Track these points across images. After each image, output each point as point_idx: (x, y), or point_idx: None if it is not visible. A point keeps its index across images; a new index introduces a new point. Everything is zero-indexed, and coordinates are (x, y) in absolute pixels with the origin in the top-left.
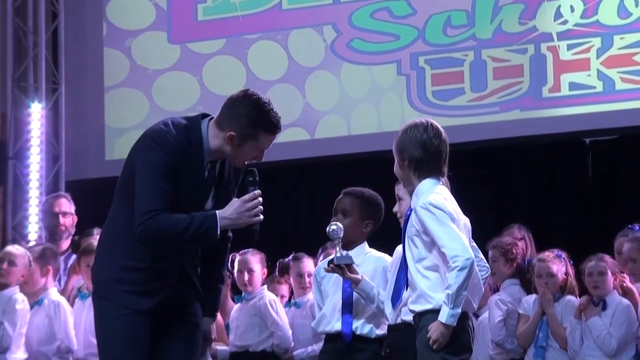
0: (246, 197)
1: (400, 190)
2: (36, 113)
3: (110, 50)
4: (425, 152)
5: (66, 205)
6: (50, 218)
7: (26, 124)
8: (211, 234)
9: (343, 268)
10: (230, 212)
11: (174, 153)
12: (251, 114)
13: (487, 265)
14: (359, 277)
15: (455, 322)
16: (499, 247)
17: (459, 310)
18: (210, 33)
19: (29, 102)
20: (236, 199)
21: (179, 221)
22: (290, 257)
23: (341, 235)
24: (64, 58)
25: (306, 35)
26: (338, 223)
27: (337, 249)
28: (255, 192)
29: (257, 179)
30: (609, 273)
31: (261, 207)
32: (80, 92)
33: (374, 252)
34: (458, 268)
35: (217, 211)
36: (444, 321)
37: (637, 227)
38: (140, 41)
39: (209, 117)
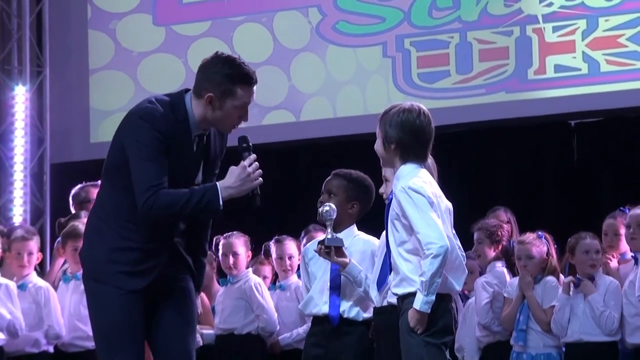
0: (245, 162)
1: (387, 171)
2: (20, 96)
3: (95, 32)
4: (415, 139)
5: None
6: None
7: (10, 107)
8: (213, 205)
9: (331, 251)
10: (232, 180)
11: (164, 129)
12: (224, 71)
13: (463, 253)
14: (347, 260)
15: (429, 309)
16: (484, 229)
17: (433, 297)
18: (195, 15)
19: (13, 85)
20: (234, 167)
21: (181, 195)
22: (273, 239)
23: (334, 216)
24: (49, 41)
25: (291, 18)
26: (331, 204)
27: (329, 230)
28: (251, 156)
29: (250, 144)
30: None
31: (260, 170)
32: (65, 75)
33: (363, 235)
34: (432, 255)
35: (217, 182)
36: (418, 308)
37: (628, 210)
38: (125, 24)
39: (190, 90)
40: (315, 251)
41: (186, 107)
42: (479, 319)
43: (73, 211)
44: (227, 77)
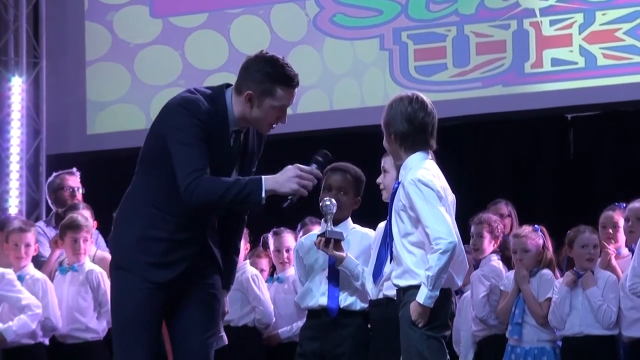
0: (304, 166)
1: (386, 162)
2: (17, 87)
3: (91, 24)
4: (410, 125)
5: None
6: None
7: (6, 98)
8: (254, 197)
9: (330, 244)
10: (281, 175)
11: (205, 119)
12: (265, 70)
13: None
14: (344, 254)
15: (432, 304)
16: (486, 224)
17: (437, 293)
18: (192, 7)
19: (10, 76)
20: (290, 165)
21: (224, 182)
22: (271, 232)
23: (334, 210)
24: (45, 32)
25: (289, 10)
26: (332, 199)
27: (329, 223)
28: (314, 170)
29: (325, 161)
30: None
31: (311, 183)
32: (62, 67)
33: (359, 228)
34: (440, 251)
35: (262, 176)
36: (421, 302)
37: (624, 205)
38: (121, 15)
39: (231, 86)
40: (315, 243)
41: (226, 101)
42: (475, 312)
43: (49, 200)
44: (268, 76)
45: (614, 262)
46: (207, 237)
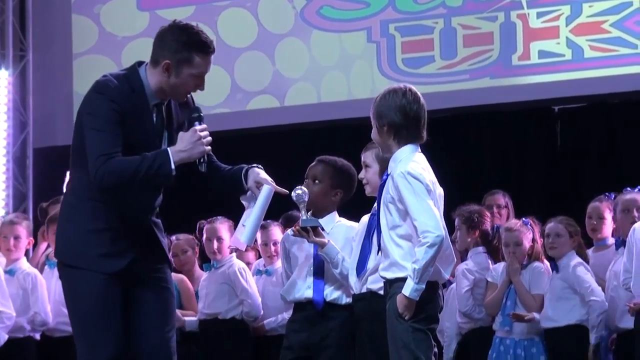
0: (194, 127)
1: (367, 157)
2: (3, 80)
3: (78, 17)
4: (405, 117)
5: None
6: None
7: None
8: (165, 169)
9: (308, 231)
10: (184, 144)
11: (119, 100)
12: (181, 39)
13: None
14: (325, 240)
15: (418, 297)
16: (461, 215)
17: (424, 286)
18: (179, 0)
19: None
20: (184, 132)
21: (131, 161)
22: None
23: (306, 199)
24: (32, 25)
25: (276, 2)
26: (303, 187)
27: (303, 212)
28: (202, 125)
29: (202, 115)
30: (566, 235)
31: (210, 138)
32: (48, 59)
33: (344, 221)
34: (428, 244)
35: (168, 147)
36: (407, 294)
37: (613, 196)
38: (109, 8)
39: (145, 63)
40: (293, 231)
41: (141, 77)
42: (459, 306)
43: None
44: (184, 44)
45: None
46: (151, 224)
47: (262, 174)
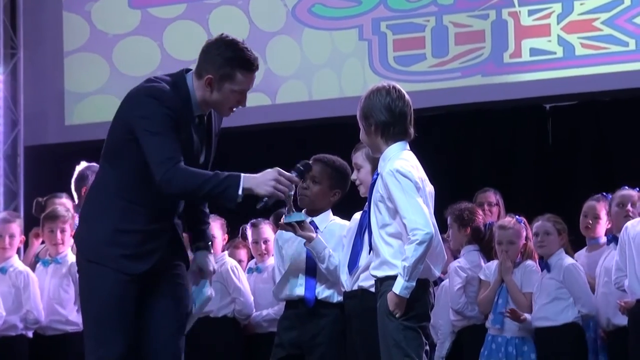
0: (284, 172)
1: (358, 158)
2: None
3: (69, 15)
4: (391, 115)
5: None
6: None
7: None
8: (231, 193)
9: (294, 226)
10: (258, 176)
11: (172, 107)
12: (225, 54)
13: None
14: (313, 234)
15: (408, 295)
16: (452, 213)
17: (414, 283)
18: None
19: None
20: (271, 169)
21: (201, 174)
22: (249, 223)
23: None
24: (23, 23)
25: (267, 0)
26: None
27: (288, 207)
28: (294, 178)
29: (306, 170)
30: (555, 233)
31: (288, 190)
32: (39, 57)
33: (338, 220)
34: (417, 242)
35: (242, 173)
36: (397, 292)
37: (610, 196)
38: (100, 6)
39: (191, 70)
40: (278, 226)
41: (188, 86)
42: (451, 304)
43: (74, 192)
44: (228, 60)
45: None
46: (175, 224)
47: (208, 262)
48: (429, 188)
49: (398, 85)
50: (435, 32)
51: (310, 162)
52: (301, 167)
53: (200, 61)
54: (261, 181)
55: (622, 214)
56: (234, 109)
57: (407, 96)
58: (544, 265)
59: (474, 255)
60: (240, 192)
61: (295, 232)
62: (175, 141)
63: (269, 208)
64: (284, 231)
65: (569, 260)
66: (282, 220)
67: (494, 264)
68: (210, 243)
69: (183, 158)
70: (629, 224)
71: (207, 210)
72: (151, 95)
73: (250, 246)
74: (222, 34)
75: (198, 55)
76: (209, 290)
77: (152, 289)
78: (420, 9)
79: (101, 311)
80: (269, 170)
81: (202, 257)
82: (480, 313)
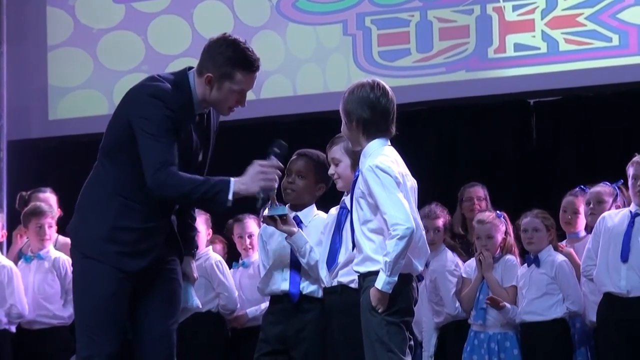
0: (263, 161)
1: (336, 152)
2: None
3: (53, 9)
4: (373, 112)
5: None
6: None
7: None
8: (221, 197)
9: (276, 220)
10: (245, 178)
11: (174, 108)
12: (226, 53)
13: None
14: (294, 229)
15: (390, 290)
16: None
17: (396, 278)
18: None
19: None
20: (252, 166)
21: (192, 180)
22: (233, 218)
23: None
24: (6, 17)
25: None
26: None
27: (270, 200)
28: (273, 162)
29: (282, 150)
30: (543, 229)
31: (275, 176)
32: (23, 52)
33: (322, 215)
34: (398, 237)
35: (232, 178)
36: (379, 287)
37: (588, 189)
38: (84, 0)
39: (193, 68)
40: (261, 219)
41: (190, 85)
42: (448, 309)
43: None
44: (229, 59)
45: (567, 253)
46: (171, 221)
47: (193, 269)
48: (411, 183)
49: (382, 82)
50: (419, 27)
51: (281, 141)
52: (277, 150)
53: (202, 59)
54: (250, 180)
55: (588, 212)
56: (234, 109)
57: (391, 93)
58: (532, 260)
59: (449, 255)
60: (230, 196)
61: (276, 227)
62: (171, 145)
63: (268, 200)
64: (268, 226)
65: (560, 257)
66: (264, 214)
67: (474, 261)
68: (195, 250)
69: (182, 157)
70: (606, 214)
71: (195, 215)
72: (153, 95)
73: (235, 241)
74: (225, 34)
75: (182, 50)
76: (196, 301)
77: (147, 282)
78: (405, 4)
79: (96, 307)
80: (250, 168)
81: (187, 263)
82: (463, 311)
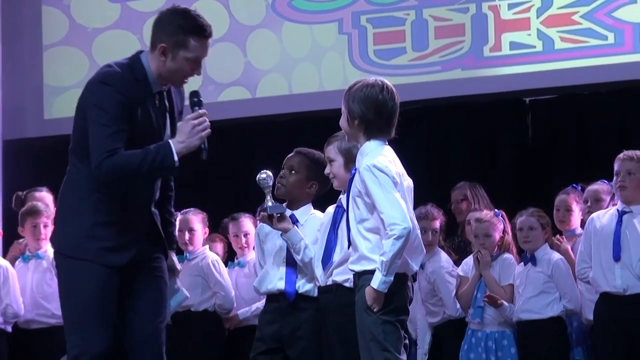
0: (190, 116)
1: (330, 151)
2: None
3: (48, 8)
4: (379, 114)
5: None
6: None
7: None
8: (168, 162)
9: (273, 217)
10: (181, 136)
11: (126, 90)
12: (178, 22)
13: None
14: (289, 226)
15: (386, 289)
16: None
17: (392, 278)
18: None
19: None
20: (181, 122)
21: (134, 155)
22: (229, 217)
23: (270, 183)
24: (1, 16)
25: None
26: (268, 172)
27: (268, 197)
28: (200, 111)
29: (201, 99)
30: (539, 228)
31: (208, 123)
32: (18, 51)
33: (319, 214)
34: (395, 236)
35: (169, 140)
36: (375, 287)
37: (580, 187)
38: None
39: (144, 51)
40: (258, 218)
41: (143, 65)
42: (449, 311)
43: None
44: (180, 28)
45: (564, 250)
46: (152, 214)
47: (176, 261)
48: (407, 182)
49: (390, 84)
50: (415, 25)
51: (194, 90)
52: (194, 99)
53: (153, 32)
54: (187, 137)
55: (585, 210)
56: (186, 80)
57: (397, 96)
58: (529, 258)
59: (444, 255)
60: (176, 158)
61: (272, 225)
62: (120, 132)
63: (208, 150)
64: (264, 224)
65: (556, 255)
66: (261, 212)
67: (471, 259)
68: (175, 244)
69: (143, 136)
70: (594, 215)
71: (173, 211)
72: (103, 82)
73: (231, 240)
74: (174, 4)
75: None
76: (184, 291)
77: (133, 281)
78: (400, 2)
79: (84, 305)
80: (180, 125)
81: (170, 258)
82: (460, 309)
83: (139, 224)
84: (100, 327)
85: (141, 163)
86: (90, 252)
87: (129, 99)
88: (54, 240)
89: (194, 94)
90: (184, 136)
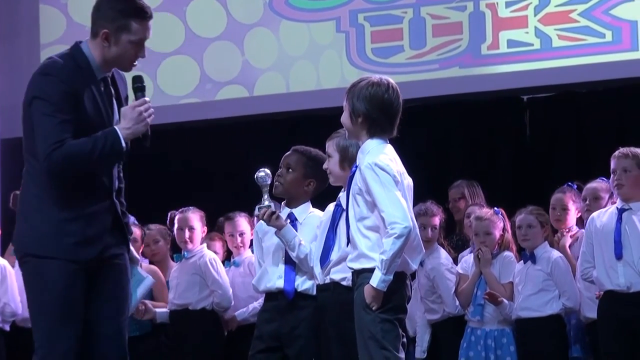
0: (135, 102)
1: (329, 147)
2: None
3: (46, 7)
4: (383, 114)
5: None
6: None
7: None
8: (117, 147)
9: (268, 215)
10: (126, 122)
11: (69, 79)
12: (118, 6)
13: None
14: (283, 223)
15: (385, 288)
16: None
17: (391, 277)
18: None
19: None
20: (124, 107)
21: (83, 144)
22: (224, 216)
23: (268, 182)
24: None
25: None
26: (266, 170)
27: (265, 196)
28: (143, 98)
29: (144, 84)
30: (538, 225)
31: (152, 109)
32: (16, 50)
33: (317, 212)
34: (395, 235)
35: (115, 126)
36: (374, 285)
37: (576, 186)
38: None
39: (86, 40)
40: (255, 215)
41: (85, 53)
42: (448, 308)
43: None
44: (121, 12)
45: (562, 246)
46: (115, 204)
47: (132, 250)
48: (407, 181)
49: (395, 83)
50: (412, 23)
51: (136, 75)
52: (137, 85)
53: (94, 19)
54: (133, 123)
55: (584, 208)
56: (135, 63)
57: (401, 95)
58: (528, 256)
59: (443, 252)
60: (124, 144)
61: (267, 222)
62: (65, 122)
63: (148, 135)
64: (263, 223)
65: (555, 253)
66: (265, 208)
67: (471, 257)
68: (131, 235)
69: (90, 124)
70: (594, 214)
71: (124, 202)
72: (44, 73)
73: (226, 239)
74: None
75: (175, 47)
76: (149, 277)
77: (97, 279)
78: (398, 0)
79: (51, 303)
80: (125, 111)
81: (129, 248)
82: (460, 306)
83: (104, 215)
84: (69, 325)
85: (91, 151)
86: (59, 249)
87: (73, 87)
88: (16, 240)
89: (137, 79)
90: (131, 122)
